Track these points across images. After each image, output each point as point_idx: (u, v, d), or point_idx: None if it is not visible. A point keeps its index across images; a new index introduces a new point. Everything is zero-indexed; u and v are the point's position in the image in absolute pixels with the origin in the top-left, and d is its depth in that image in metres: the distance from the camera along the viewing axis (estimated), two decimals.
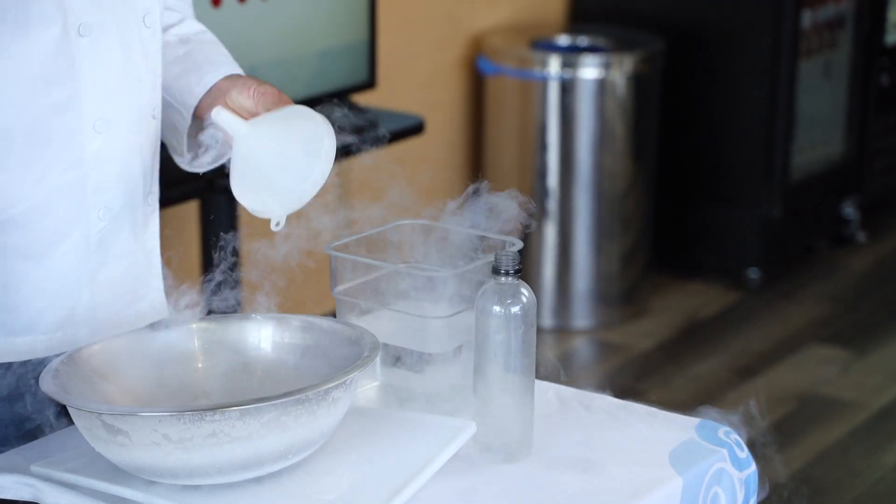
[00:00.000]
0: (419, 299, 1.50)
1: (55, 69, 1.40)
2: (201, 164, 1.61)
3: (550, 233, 3.86)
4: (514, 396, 1.42)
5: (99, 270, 1.50)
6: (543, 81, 3.81)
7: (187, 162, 1.60)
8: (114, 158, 1.48)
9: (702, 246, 4.21)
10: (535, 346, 1.44)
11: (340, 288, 1.53)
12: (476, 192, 1.53)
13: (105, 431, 1.28)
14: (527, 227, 1.51)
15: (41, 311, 1.46)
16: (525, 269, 1.43)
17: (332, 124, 1.52)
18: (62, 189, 1.44)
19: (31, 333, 1.46)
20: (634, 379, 3.63)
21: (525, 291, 1.42)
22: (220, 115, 1.50)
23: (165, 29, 1.59)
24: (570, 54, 3.86)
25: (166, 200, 2.67)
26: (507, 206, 1.52)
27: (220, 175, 2.73)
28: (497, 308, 1.40)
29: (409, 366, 1.51)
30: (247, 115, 1.51)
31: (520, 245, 1.52)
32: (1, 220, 1.43)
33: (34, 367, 1.45)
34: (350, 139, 3.10)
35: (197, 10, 1.72)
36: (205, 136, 1.56)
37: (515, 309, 1.40)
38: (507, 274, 1.41)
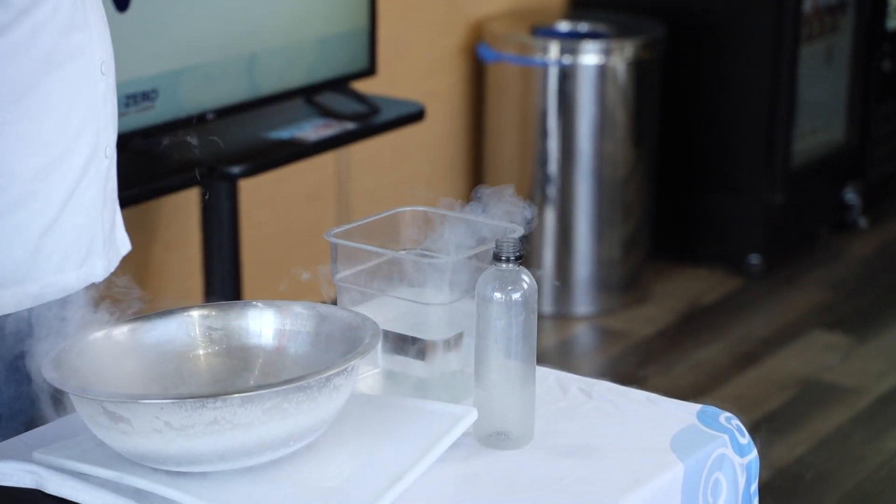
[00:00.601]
0: (420, 286, 1.50)
1: (77, 15, 1.51)
2: None
3: (551, 219, 3.86)
4: (514, 383, 1.42)
5: (105, 206, 1.58)
6: (544, 68, 3.81)
7: None
8: (111, 99, 1.58)
9: (703, 232, 4.21)
10: (536, 333, 1.44)
11: (341, 275, 1.53)
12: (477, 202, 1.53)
13: (107, 419, 1.28)
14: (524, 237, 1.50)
15: (68, 248, 1.54)
16: (526, 255, 1.44)
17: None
18: (86, 127, 1.53)
19: (61, 272, 1.54)
20: (636, 365, 3.63)
21: (526, 278, 1.42)
22: None
23: None
24: (571, 40, 3.85)
25: (167, 188, 2.70)
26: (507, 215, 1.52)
27: (221, 162, 2.73)
28: (498, 295, 1.40)
29: (410, 353, 1.51)
30: None
31: (521, 232, 1.52)
32: (38, 165, 1.49)
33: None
34: (350, 126, 3.11)
35: None
36: None
37: (516, 295, 1.40)
38: (507, 261, 1.41)
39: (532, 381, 1.44)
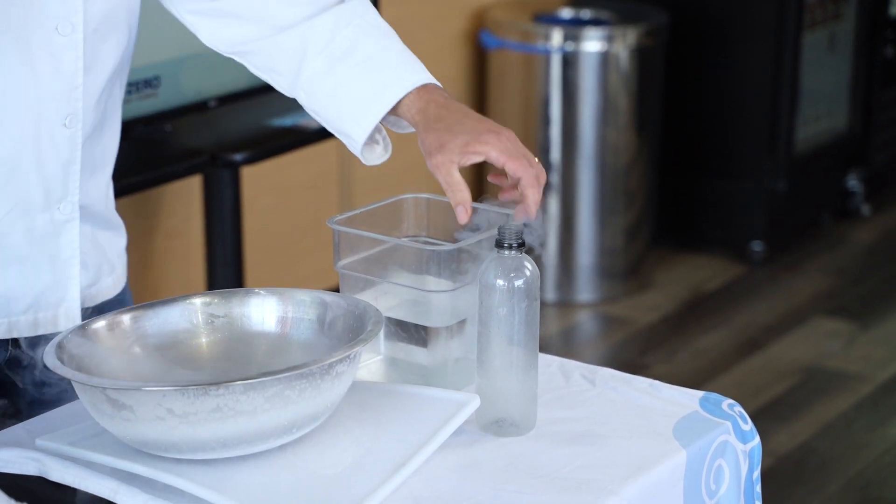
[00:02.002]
0: (422, 273, 1.50)
1: None
2: (370, 159, 1.58)
3: (554, 207, 3.86)
4: (517, 370, 1.42)
5: None
6: (546, 55, 3.80)
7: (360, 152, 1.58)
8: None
9: (706, 219, 4.20)
10: (539, 320, 1.44)
11: (343, 262, 1.53)
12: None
13: (109, 406, 1.28)
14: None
15: None
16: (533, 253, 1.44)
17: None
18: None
19: None
20: (638, 352, 3.63)
21: (528, 265, 1.41)
22: None
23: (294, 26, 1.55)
24: (573, 27, 3.85)
25: (170, 175, 2.69)
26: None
27: (223, 150, 2.73)
28: (500, 282, 1.40)
29: (412, 340, 1.51)
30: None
31: (519, 225, 1.51)
32: None
33: None
34: None
35: None
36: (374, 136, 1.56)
37: (519, 282, 1.40)
38: (510, 248, 1.40)
39: (534, 369, 1.44)
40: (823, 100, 4.27)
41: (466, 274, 1.49)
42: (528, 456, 1.38)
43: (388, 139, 1.57)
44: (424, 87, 1.51)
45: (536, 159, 1.46)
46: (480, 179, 4.09)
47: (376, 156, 1.56)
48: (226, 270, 2.83)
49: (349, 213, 1.54)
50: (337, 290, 1.53)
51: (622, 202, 3.90)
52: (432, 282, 1.49)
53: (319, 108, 1.56)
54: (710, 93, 4.12)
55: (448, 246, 1.49)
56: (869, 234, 4.41)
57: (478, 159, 1.44)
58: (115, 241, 1.64)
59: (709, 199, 4.18)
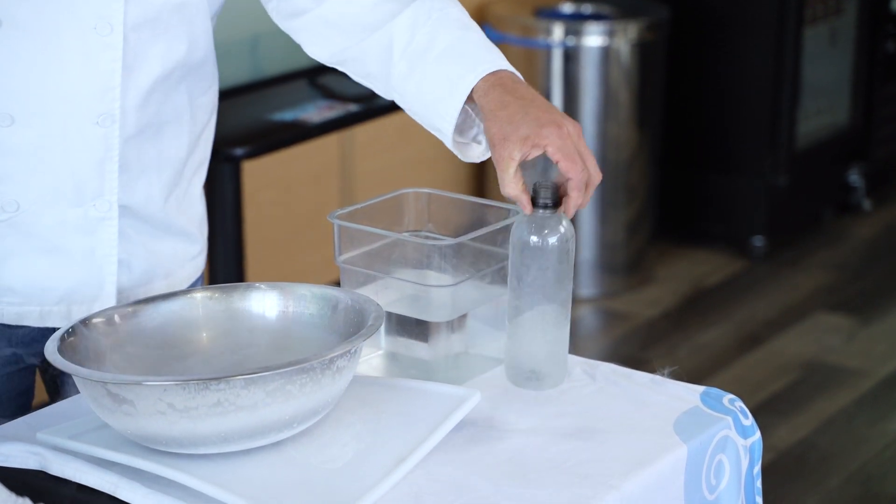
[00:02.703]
0: (423, 268, 1.49)
1: None
2: (471, 157, 1.56)
3: None
4: (548, 326, 1.43)
5: (7, 259, 1.51)
6: (547, 50, 3.80)
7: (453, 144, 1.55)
8: (18, 153, 1.48)
9: (707, 214, 4.20)
10: (573, 277, 1.44)
11: (344, 257, 1.53)
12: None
13: (110, 400, 1.28)
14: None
15: None
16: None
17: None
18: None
19: None
20: (639, 348, 3.63)
21: (564, 222, 1.41)
22: None
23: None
24: (575, 22, 3.84)
25: None
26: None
27: (224, 144, 2.73)
28: (534, 238, 1.40)
29: (413, 335, 1.51)
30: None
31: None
32: None
33: None
34: (353, 108, 3.11)
35: None
36: (473, 132, 1.54)
37: (553, 240, 1.40)
38: (545, 206, 1.40)
39: (566, 324, 1.44)
40: (824, 95, 4.27)
41: (467, 269, 1.49)
42: (528, 451, 1.38)
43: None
44: (494, 73, 1.49)
45: (593, 159, 1.44)
46: (481, 177, 4.09)
47: (476, 153, 1.55)
48: (227, 264, 2.84)
49: (350, 208, 1.54)
50: (338, 284, 1.53)
51: (623, 197, 3.90)
52: (433, 276, 1.49)
53: (412, 107, 1.55)
54: (711, 87, 4.12)
55: (449, 240, 1.49)
56: (870, 230, 4.41)
57: (537, 153, 1.42)
58: (179, 247, 1.62)
59: (709, 194, 4.18)
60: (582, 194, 1.43)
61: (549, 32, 3.80)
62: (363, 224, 1.52)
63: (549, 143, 1.42)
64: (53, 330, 1.55)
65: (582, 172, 1.42)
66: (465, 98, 1.48)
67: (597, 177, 1.44)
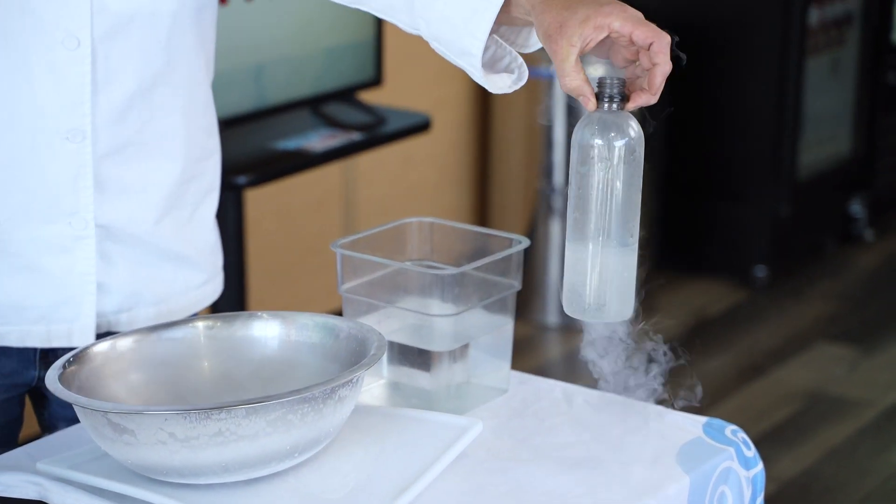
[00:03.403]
0: (425, 297, 1.49)
1: None
2: (500, 87, 1.39)
3: (557, 230, 3.86)
4: (612, 249, 1.26)
5: None
6: (550, 79, 3.81)
7: (481, 74, 1.37)
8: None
9: (709, 243, 4.20)
10: (641, 190, 1.26)
11: (347, 286, 1.53)
12: None
13: (111, 430, 1.28)
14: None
15: None
16: (531, 266, 1.36)
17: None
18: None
19: None
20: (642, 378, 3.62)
21: (633, 124, 1.24)
22: None
23: None
24: None
25: None
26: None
27: (227, 173, 2.74)
28: (599, 141, 1.23)
29: (415, 364, 1.50)
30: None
31: (527, 244, 1.51)
32: None
33: None
34: (356, 136, 3.11)
35: None
36: (505, 61, 1.38)
37: (619, 143, 1.23)
38: (611, 101, 1.23)
39: (634, 245, 1.26)
40: (827, 125, 4.27)
41: (470, 298, 1.49)
42: (531, 481, 1.38)
43: (524, 67, 1.39)
44: None
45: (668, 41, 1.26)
46: (484, 206, 4.10)
47: (506, 84, 1.38)
48: (229, 293, 2.83)
49: (353, 237, 1.54)
50: (340, 313, 1.53)
51: None
52: (436, 306, 1.48)
53: (437, 34, 1.37)
54: (714, 117, 4.13)
55: (451, 270, 1.49)
56: (872, 260, 4.41)
57: (601, 35, 1.25)
58: (178, 274, 1.59)
59: (712, 224, 4.18)
60: (668, 60, 1.27)
61: (551, 62, 3.80)
62: (366, 253, 1.52)
63: (614, 19, 1.26)
64: (33, 352, 1.54)
65: (662, 35, 1.26)
66: (500, 5, 1.31)
67: (669, 65, 1.28)
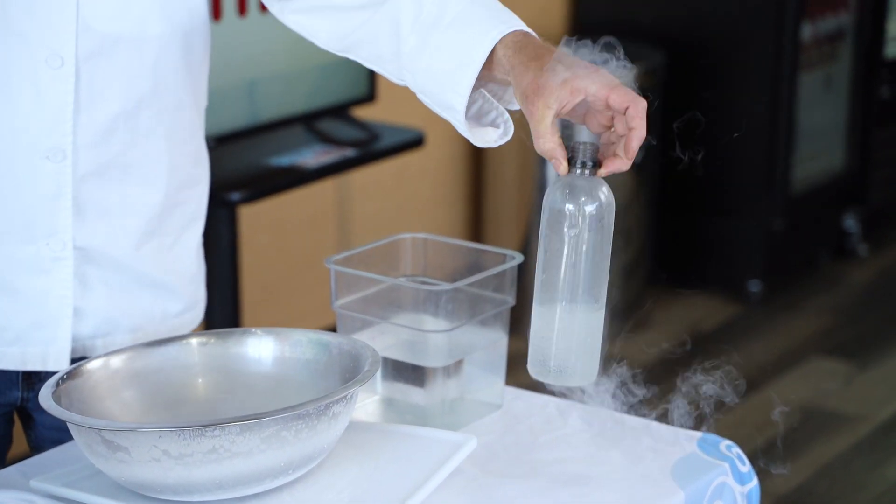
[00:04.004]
0: (419, 313, 1.49)
1: None
2: (486, 141, 1.40)
3: None
4: (579, 313, 1.27)
5: None
6: None
7: (465, 128, 1.39)
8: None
9: (703, 258, 4.20)
10: (610, 255, 1.28)
11: (341, 302, 1.53)
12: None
13: (105, 447, 1.28)
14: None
15: None
16: (525, 281, 1.35)
17: None
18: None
19: None
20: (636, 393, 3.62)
21: (604, 189, 1.25)
22: None
23: None
24: None
25: None
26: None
27: (221, 189, 2.73)
28: (569, 206, 1.24)
29: (409, 380, 1.50)
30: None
31: (521, 260, 1.51)
32: None
33: None
34: (350, 153, 3.11)
35: None
36: (491, 115, 1.39)
37: (590, 208, 1.24)
38: (583, 166, 1.24)
39: (600, 310, 1.27)
40: (820, 139, 4.28)
41: (464, 314, 1.48)
42: (525, 498, 1.37)
43: (509, 122, 1.40)
44: (517, 34, 1.34)
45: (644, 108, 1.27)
46: (478, 222, 4.10)
47: (492, 138, 1.40)
48: (223, 309, 2.83)
49: (347, 253, 1.54)
50: (334, 329, 1.53)
51: (619, 241, 3.89)
52: (429, 322, 1.48)
53: (422, 87, 1.39)
54: (707, 132, 4.13)
55: (445, 286, 1.49)
56: (866, 274, 4.41)
57: (577, 99, 1.26)
58: (157, 303, 1.57)
59: (706, 238, 4.19)
60: (644, 125, 1.27)
61: None
62: (360, 269, 1.52)
63: (591, 83, 1.27)
64: (15, 372, 1.52)
65: (639, 100, 1.27)
66: (481, 65, 1.33)
67: (644, 130, 1.28)
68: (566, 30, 4.19)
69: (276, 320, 3.38)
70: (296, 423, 1.27)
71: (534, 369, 1.29)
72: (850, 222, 4.44)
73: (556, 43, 1.36)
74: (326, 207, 3.61)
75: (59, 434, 1.49)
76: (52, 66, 1.43)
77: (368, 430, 1.45)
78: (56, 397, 1.33)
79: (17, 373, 1.54)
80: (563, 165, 1.26)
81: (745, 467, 1.47)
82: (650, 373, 3.89)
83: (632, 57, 4.36)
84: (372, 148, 3.03)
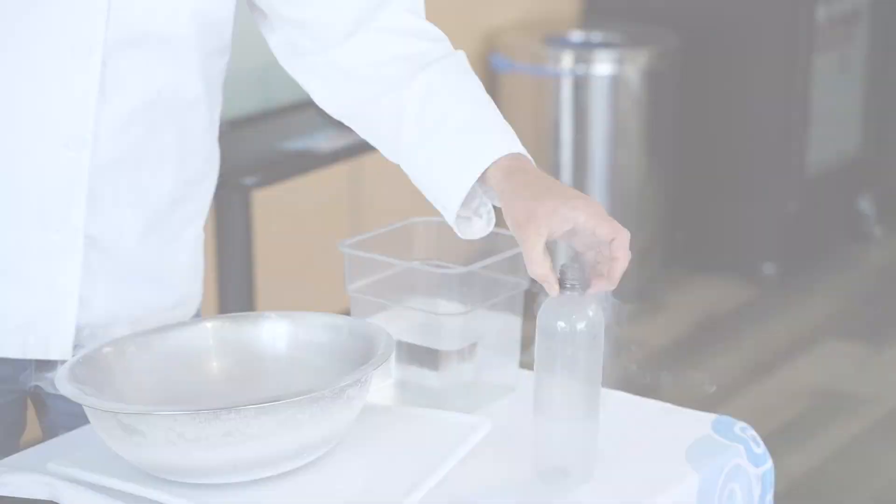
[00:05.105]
0: (434, 296, 1.49)
1: None
2: (472, 233, 1.50)
3: None
4: (576, 419, 1.36)
5: None
6: (557, 78, 3.81)
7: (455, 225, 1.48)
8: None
9: (718, 241, 4.20)
10: (602, 366, 1.38)
11: (354, 285, 1.53)
12: None
13: (121, 431, 1.28)
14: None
15: None
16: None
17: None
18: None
19: None
20: (650, 375, 3.62)
21: (592, 306, 1.36)
22: None
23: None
24: (584, 50, 3.85)
25: None
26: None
27: (234, 174, 2.74)
28: (561, 324, 1.34)
29: (423, 363, 1.50)
30: None
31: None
32: None
33: None
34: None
35: None
36: (475, 203, 1.48)
37: (581, 325, 1.34)
38: (573, 287, 1.34)
39: (595, 415, 1.37)
40: (835, 122, 4.27)
41: (477, 297, 1.49)
42: (539, 480, 1.38)
43: (492, 215, 1.48)
44: (510, 157, 1.43)
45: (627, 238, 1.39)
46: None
47: (475, 230, 1.48)
48: (237, 294, 2.84)
49: (360, 237, 1.54)
50: (348, 313, 1.53)
51: (633, 225, 3.89)
52: (443, 305, 1.49)
53: (417, 179, 1.49)
54: (722, 115, 4.12)
55: (459, 269, 1.49)
56: (881, 257, 4.40)
57: (566, 227, 1.35)
58: (152, 295, 1.57)
59: (721, 221, 4.18)
60: (627, 255, 1.39)
61: (558, 60, 3.80)
62: (373, 253, 1.52)
63: (580, 213, 1.35)
64: (24, 360, 1.52)
65: (623, 231, 1.37)
66: (474, 181, 1.42)
67: (628, 260, 1.40)
68: (580, 12, 4.18)
69: (289, 304, 3.38)
70: (311, 407, 1.28)
71: (539, 473, 1.38)
72: (865, 205, 4.43)
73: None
74: (340, 191, 3.61)
75: (73, 419, 1.49)
76: (79, 55, 1.44)
77: (383, 414, 1.46)
78: (71, 381, 1.34)
79: (30, 359, 1.54)
80: (555, 288, 1.36)
81: (760, 449, 1.47)
82: (665, 355, 3.90)
83: (646, 40, 4.37)
84: None
